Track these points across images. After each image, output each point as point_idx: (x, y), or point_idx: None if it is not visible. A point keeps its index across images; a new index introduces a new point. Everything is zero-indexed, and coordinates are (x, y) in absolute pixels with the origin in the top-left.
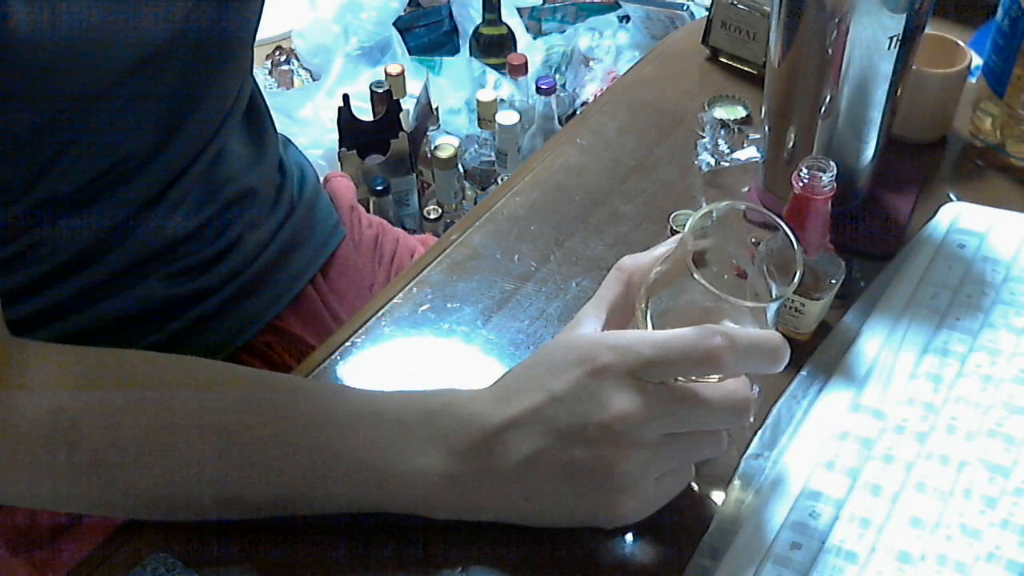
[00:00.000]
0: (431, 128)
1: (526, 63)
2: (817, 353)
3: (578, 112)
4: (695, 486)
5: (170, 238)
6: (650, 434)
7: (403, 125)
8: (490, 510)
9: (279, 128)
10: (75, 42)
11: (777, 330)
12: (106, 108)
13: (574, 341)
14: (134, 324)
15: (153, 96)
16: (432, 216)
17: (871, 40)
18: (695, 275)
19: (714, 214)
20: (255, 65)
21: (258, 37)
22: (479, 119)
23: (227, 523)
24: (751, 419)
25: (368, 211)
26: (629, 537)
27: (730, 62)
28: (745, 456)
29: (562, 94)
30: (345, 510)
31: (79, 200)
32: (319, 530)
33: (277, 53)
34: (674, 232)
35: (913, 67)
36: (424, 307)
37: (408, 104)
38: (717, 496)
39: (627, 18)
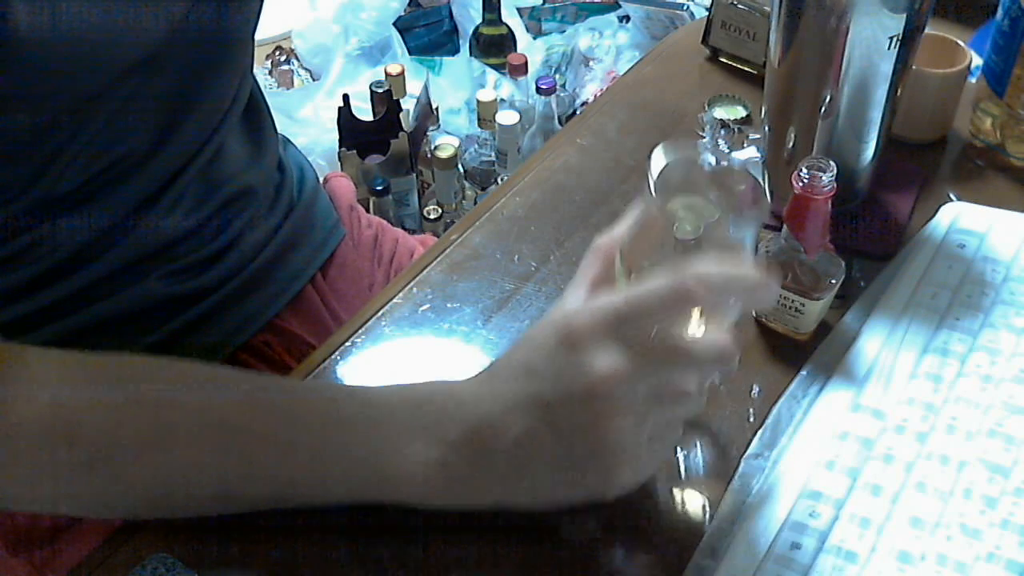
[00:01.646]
0: (431, 128)
1: (526, 63)
2: (817, 353)
3: (578, 112)
4: (695, 488)
5: (169, 236)
6: (635, 394)
7: (403, 125)
8: (487, 495)
9: (279, 128)
10: (75, 42)
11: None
12: (105, 108)
13: (550, 316)
14: (133, 323)
15: (152, 95)
16: (432, 216)
17: (871, 40)
18: (668, 206)
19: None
20: (255, 65)
21: (258, 37)
22: (479, 119)
23: (227, 523)
24: (736, 360)
25: (368, 211)
26: (629, 537)
27: (730, 62)
28: (745, 456)
29: (562, 94)
30: (342, 502)
31: (78, 199)
32: (319, 530)
33: (277, 53)
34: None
35: (913, 67)
36: (424, 307)
37: (408, 104)
38: (717, 496)
39: (627, 18)
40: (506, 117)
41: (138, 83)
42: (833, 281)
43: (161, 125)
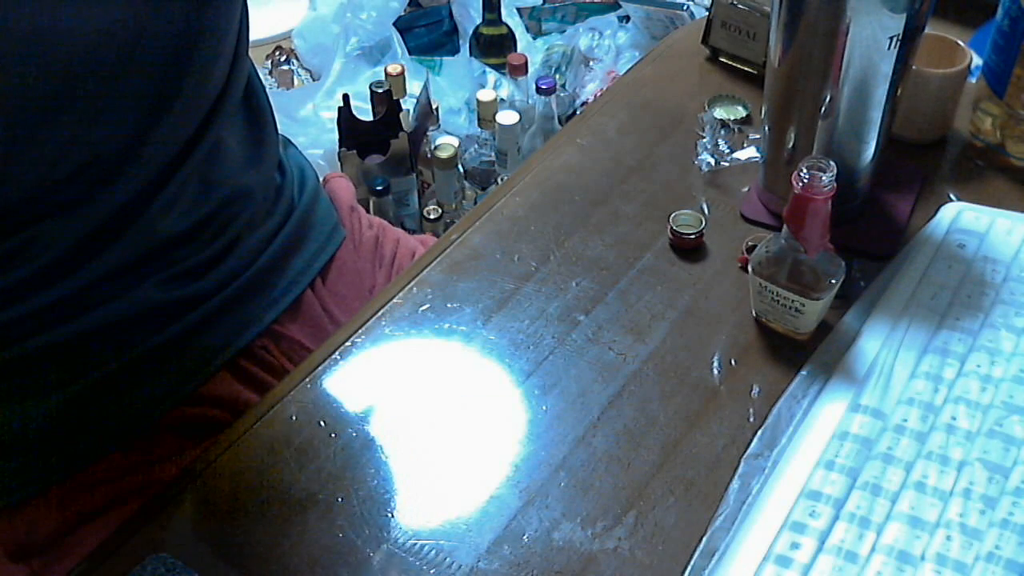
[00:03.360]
0: (431, 128)
1: (526, 63)
2: (817, 353)
3: (578, 112)
4: (695, 488)
5: (165, 238)
6: None
7: (403, 125)
8: None
9: (279, 128)
10: (27, 42)
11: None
12: (75, 107)
13: None
14: (129, 329)
15: (122, 94)
16: (432, 216)
17: (871, 40)
18: None
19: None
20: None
21: (258, 37)
22: (479, 119)
23: (227, 523)
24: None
25: (368, 211)
26: (629, 537)
27: (730, 62)
28: (745, 456)
29: (562, 94)
30: None
31: (67, 196)
32: (318, 532)
33: (277, 53)
34: (674, 232)
35: (913, 67)
36: (424, 307)
37: (408, 104)
38: (717, 495)
39: (627, 18)
40: (506, 117)
41: (109, 77)
42: (833, 281)
43: (140, 119)
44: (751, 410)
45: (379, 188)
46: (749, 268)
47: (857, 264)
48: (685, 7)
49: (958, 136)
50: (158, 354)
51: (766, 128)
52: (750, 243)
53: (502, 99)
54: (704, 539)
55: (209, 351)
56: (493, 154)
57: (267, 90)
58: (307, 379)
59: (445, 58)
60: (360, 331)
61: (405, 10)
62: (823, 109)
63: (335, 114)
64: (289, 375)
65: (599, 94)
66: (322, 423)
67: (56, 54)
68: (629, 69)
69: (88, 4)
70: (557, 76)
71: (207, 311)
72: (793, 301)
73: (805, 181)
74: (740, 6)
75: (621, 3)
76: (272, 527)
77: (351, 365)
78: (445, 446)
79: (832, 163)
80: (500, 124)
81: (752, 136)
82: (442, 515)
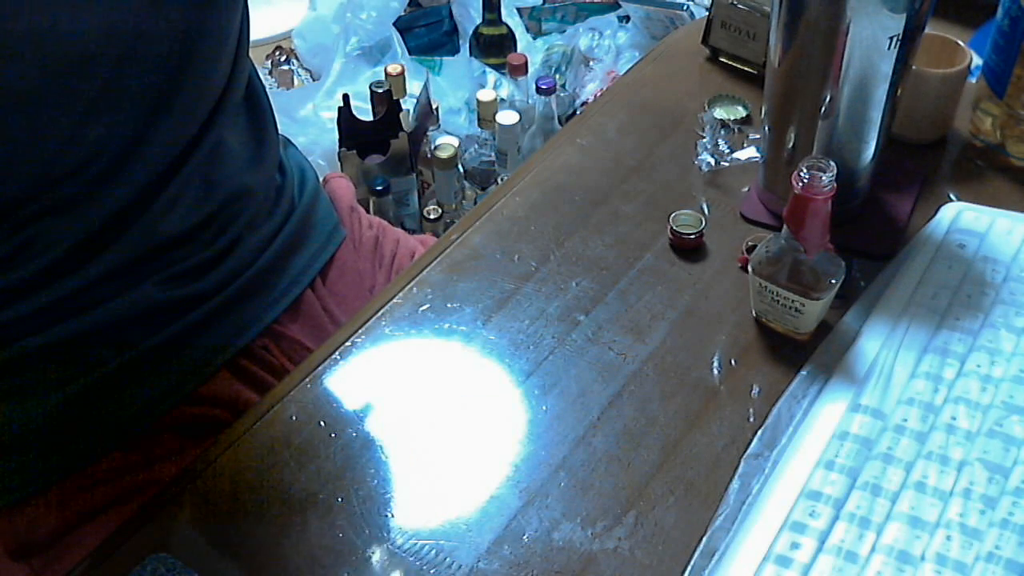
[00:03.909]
0: (431, 128)
1: (526, 63)
2: (817, 353)
3: (578, 112)
4: (695, 488)
5: (165, 238)
6: None
7: (403, 125)
8: None
9: (279, 128)
10: (8, 45)
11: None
12: (69, 107)
13: None
14: (130, 328)
15: (122, 94)
16: (432, 216)
17: (871, 40)
18: None
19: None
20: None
21: (258, 37)
22: (479, 119)
23: (227, 523)
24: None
25: (368, 211)
26: (629, 537)
27: (730, 62)
28: (745, 456)
29: (562, 94)
30: None
31: (63, 197)
32: (318, 533)
33: (277, 53)
34: (674, 232)
35: (913, 67)
36: (424, 307)
37: (408, 104)
38: (717, 495)
39: (627, 18)
40: (506, 117)
41: (109, 77)
42: (833, 281)
43: (140, 119)
44: (751, 410)
45: (379, 188)
46: (749, 268)
47: (857, 264)
48: (685, 7)
49: (958, 136)
50: (158, 354)
51: (766, 128)
52: (750, 243)
53: (502, 99)
54: (704, 539)
55: (209, 351)
56: (493, 154)
57: (267, 90)
58: (307, 379)
59: (445, 58)
60: (360, 331)
61: (405, 10)
62: (823, 109)
63: (335, 114)
64: (289, 375)
65: (599, 94)
66: (322, 423)
67: (56, 53)
68: (629, 69)
69: (88, 4)
70: (557, 76)
71: (207, 311)
72: (793, 301)
73: (805, 181)
74: (740, 6)
75: (621, 3)
76: (272, 527)
77: (351, 365)
78: (445, 446)
79: (832, 163)
80: (500, 124)
81: (752, 136)
82: (442, 515)
